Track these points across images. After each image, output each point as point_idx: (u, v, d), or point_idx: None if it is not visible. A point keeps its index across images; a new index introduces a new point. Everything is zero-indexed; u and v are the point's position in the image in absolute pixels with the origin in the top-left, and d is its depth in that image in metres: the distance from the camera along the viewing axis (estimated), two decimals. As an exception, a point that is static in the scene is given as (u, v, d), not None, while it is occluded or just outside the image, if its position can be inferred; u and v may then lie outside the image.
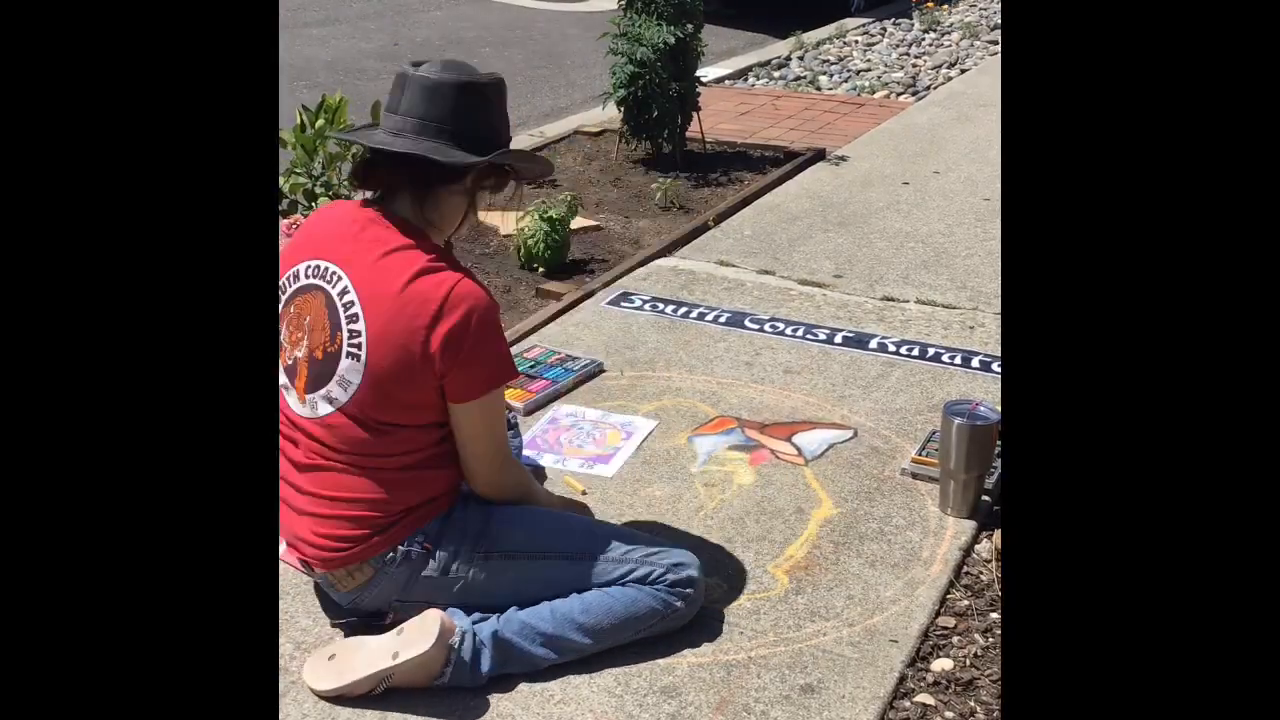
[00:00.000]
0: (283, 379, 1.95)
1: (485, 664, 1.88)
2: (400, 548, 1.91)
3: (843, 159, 5.24)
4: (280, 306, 1.96)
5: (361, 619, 2.00)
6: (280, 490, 1.96)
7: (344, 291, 1.87)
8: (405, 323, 1.83)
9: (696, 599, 2.03)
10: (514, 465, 2.09)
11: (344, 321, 1.86)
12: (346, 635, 1.99)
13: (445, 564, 1.93)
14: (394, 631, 1.89)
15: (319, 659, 1.91)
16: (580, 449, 2.67)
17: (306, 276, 1.92)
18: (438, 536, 1.93)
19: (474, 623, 1.91)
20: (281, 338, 1.95)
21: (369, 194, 2.00)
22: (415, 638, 1.85)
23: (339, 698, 1.86)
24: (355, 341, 1.85)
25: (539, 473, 2.55)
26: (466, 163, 1.89)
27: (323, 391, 1.89)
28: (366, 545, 1.90)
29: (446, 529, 1.94)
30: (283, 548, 2.18)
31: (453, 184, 1.92)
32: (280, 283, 1.96)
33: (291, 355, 1.93)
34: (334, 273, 1.89)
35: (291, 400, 1.93)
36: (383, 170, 1.94)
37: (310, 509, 1.92)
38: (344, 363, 1.86)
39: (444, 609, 1.92)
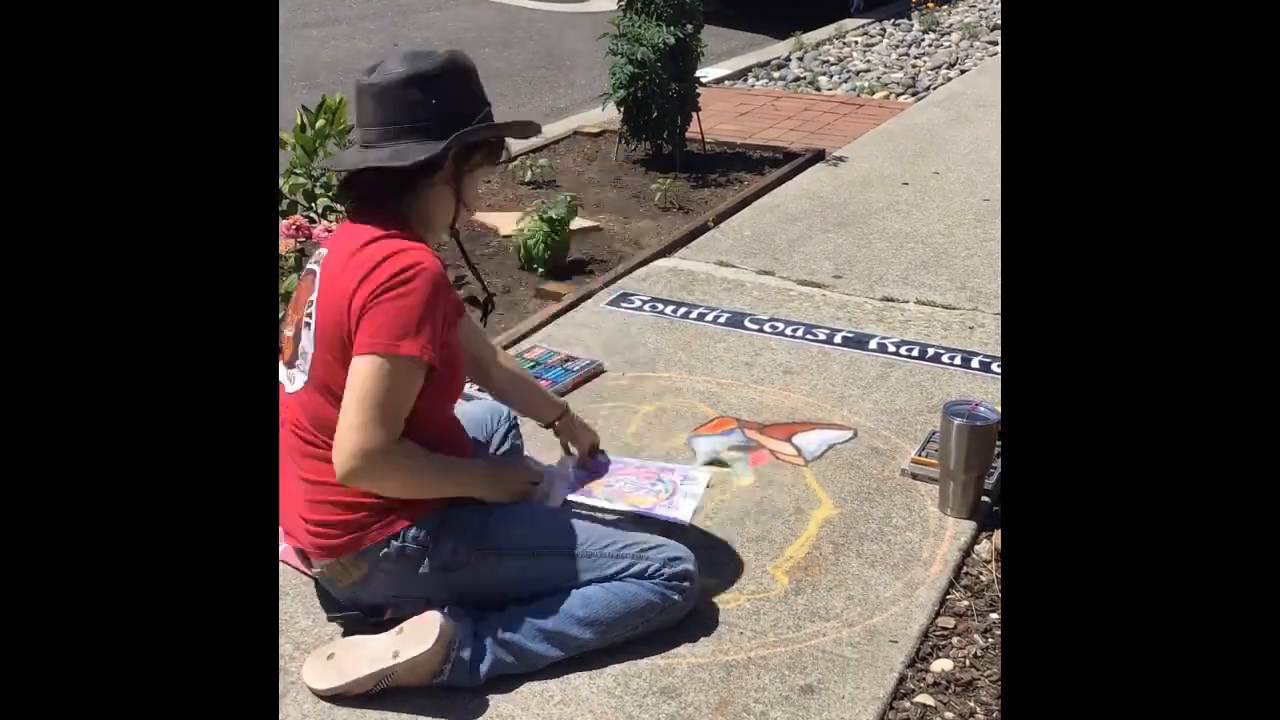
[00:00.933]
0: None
1: (485, 663, 1.88)
2: (394, 543, 1.90)
3: (842, 159, 5.24)
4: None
5: (361, 613, 1.99)
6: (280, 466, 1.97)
7: (314, 272, 1.93)
8: (344, 282, 1.83)
9: (693, 592, 2.04)
10: (392, 450, 1.79)
11: (309, 296, 1.91)
12: (345, 635, 1.99)
13: (444, 560, 1.92)
14: (394, 630, 1.89)
15: (318, 658, 1.91)
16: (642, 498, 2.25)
17: (311, 264, 1.98)
18: (436, 533, 1.92)
19: (474, 620, 1.91)
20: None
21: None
22: (415, 637, 1.85)
23: (338, 697, 1.86)
24: (309, 312, 1.89)
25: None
26: (422, 160, 1.85)
27: (297, 365, 1.93)
28: (358, 534, 1.89)
29: (444, 525, 1.93)
30: (283, 547, 2.19)
31: (429, 177, 1.91)
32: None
33: (282, 334, 1.96)
34: (321, 254, 1.95)
35: (284, 378, 1.97)
36: (358, 185, 1.96)
37: (302, 495, 1.92)
38: (303, 334, 1.91)
39: (443, 606, 1.92)
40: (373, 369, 1.77)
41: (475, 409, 2.34)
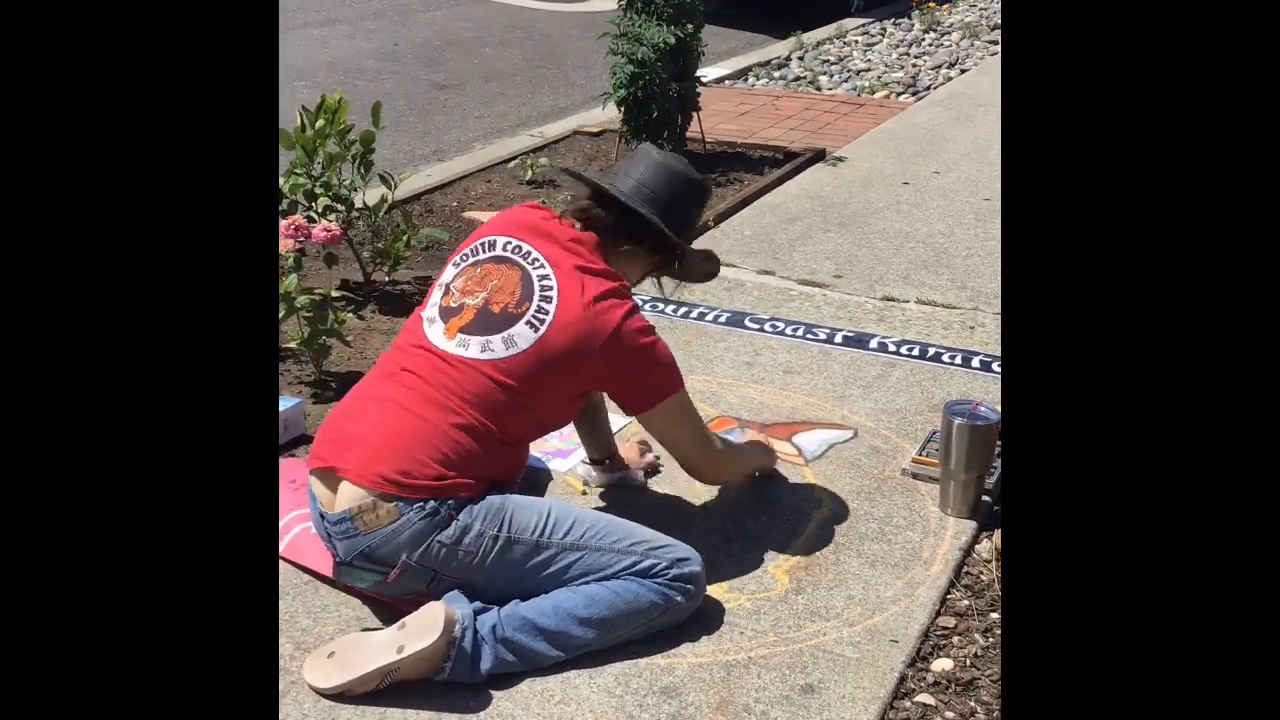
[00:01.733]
0: (430, 312, 2.13)
1: (486, 660, 1.88)
2: (432, 502, 1.93)
3: (842, 159, 5.24)
4: (461, 260, 2.18)
5: (365, 570, 1.98)
6: (355, 401, 2.09)
7: (544, 276, 2.09)
8: (588, 325, 2.04)
9: (697, 594, 2.04)
10: (718, 450, 2.33)
11: (537, 297, 2.06)
12: (344, 634, 2.00)
13: (460, 534, 1.94)
14: (396, 626, 1.90)
15: (319, 658, 1.91)
16: (545, 442, 2.65)
17: (504, 250, 2.14)
18: (463, 505, 1.95)
19: (476, 613, 1.91)
20: (448, 280, 2.16)
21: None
22: (419, 631, 1.85)
23: (342, 695, 1.86)
24: (540, 316, 2.05)
25: (544, 475, 2.55)
26: (656, 226, 2.17)
27: (483, 338, 2.04)
28: (416, 487, 1.93)
29: (473, 502, 1.97)
30: (282, 545, 2.19)
31: (637, 243, 2.20)
32: (472, 246, 2.19)
33: (459, 300, 2.11)
34: (536, 258, 2.11)
35: (433, 332, 2.09)
36: (597, 210, 2.19)
37: (393, 421, 1.98)
38: (519, 327, 2.04)
39: (446, 591, 1.94)
40: (672, 413, 2.19)
41: None
